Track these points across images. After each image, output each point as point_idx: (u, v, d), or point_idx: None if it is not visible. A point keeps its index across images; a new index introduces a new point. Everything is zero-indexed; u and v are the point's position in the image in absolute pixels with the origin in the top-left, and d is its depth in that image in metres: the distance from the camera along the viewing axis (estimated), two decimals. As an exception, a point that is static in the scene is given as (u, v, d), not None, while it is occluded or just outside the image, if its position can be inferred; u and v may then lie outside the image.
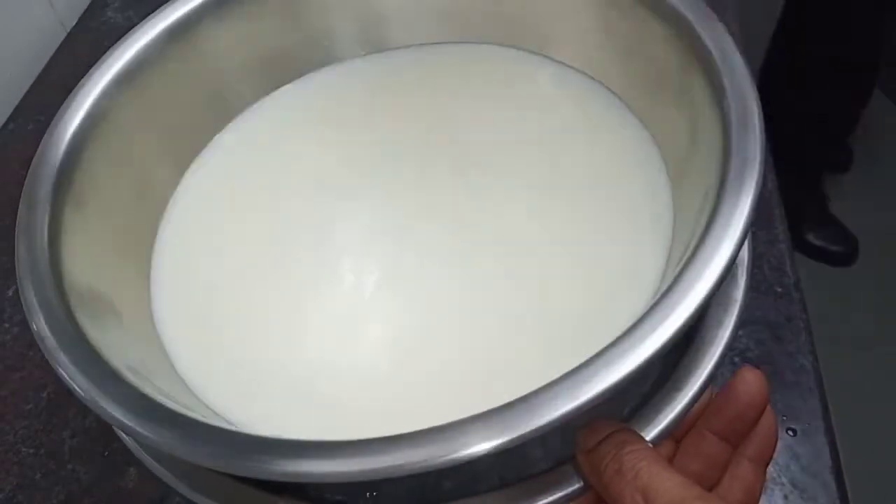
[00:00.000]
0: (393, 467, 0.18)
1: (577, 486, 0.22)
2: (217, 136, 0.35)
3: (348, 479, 0.18)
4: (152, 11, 0.32)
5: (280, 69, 0.36)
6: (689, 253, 0.21)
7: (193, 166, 0.34)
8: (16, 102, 0.54)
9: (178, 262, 0.32)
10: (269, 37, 0.35)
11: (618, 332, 0.20)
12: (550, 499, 0.22)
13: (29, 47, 0.57)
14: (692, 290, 0.20)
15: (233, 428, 0.21)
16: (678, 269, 0.21)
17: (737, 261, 0.26)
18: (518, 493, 0.23)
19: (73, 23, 0.60)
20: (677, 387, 0.24)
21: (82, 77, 0.30)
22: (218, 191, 0.35)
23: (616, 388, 0.18)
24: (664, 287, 0.20)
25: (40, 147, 0.28)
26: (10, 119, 0.53)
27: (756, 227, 0.40)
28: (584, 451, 0.21)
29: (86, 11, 0.60)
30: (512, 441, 0.18)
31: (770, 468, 0.31)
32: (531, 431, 0.18)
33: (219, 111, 0.35)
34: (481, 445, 0.18)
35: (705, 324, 0.25)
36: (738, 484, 0.23)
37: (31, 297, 0.24)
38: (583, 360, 0.19)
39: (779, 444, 0.32)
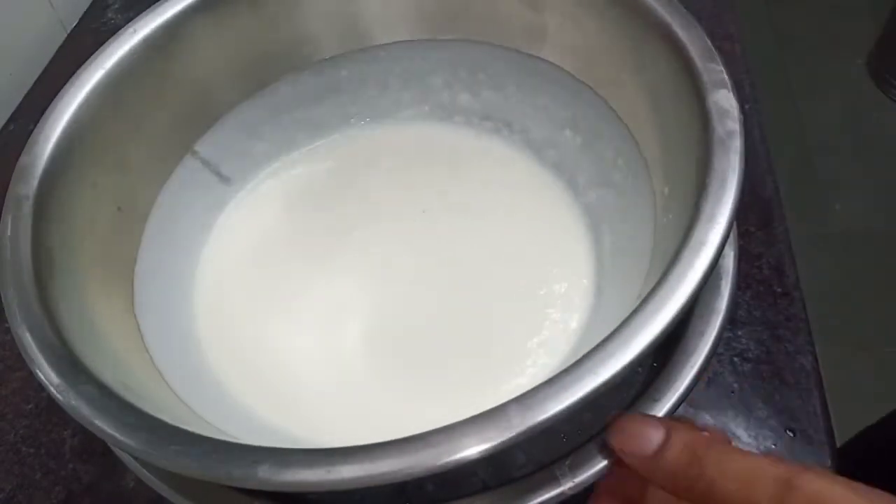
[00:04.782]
0: (385, 474, 0.18)
1: (559, 489, 0.22)
2: (196, 144, 0.35)
3: (341, 487, 0.18)
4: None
5: (261, 71, 0.36)
6: (667, 263, 0.21)
7: (173, 177, 0.34)
8: (17, 103, 0.54)
9: (162, 275, 0.32)
10: (249, 40, 0.35)
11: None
12: (534, 502, 0.23)
13: (29, 48, 0.57)
14: (675, 293, 0.20)
15: (222, 437, 0.20)
16: (658, 278, 0.21)
17: (720, 271, 0.26)
18: (501, 497, 0.23)
19: (74, 23, 0.60)
20: (655, 397, 0.24)
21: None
22: (197, 201, 0.35)
23: (599, 392, 0.19)
24: (644, 293, 0.21)
25: (20, 162, 0.27)
26: (11, 119, 0.53)
27: (755, 227, 0.40)
28: (642, 458, 0.21)
29: (86, 12, 0.60)
30: (507, 442, 0.18)
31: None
32: (523, 433, 0.18)
33: (198, 117, 0.35)
34: (476, 448, 0.18)
35: (686, 334, 0.25)
36: None
37: (14, 308, 0.24)
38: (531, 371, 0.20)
39: (779, 444, 0.32)
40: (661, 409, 0.24)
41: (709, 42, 0.25)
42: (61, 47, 0.57)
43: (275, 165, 0.39)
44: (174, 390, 0.26)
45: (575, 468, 0.23)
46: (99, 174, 0.30)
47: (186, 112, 0.34)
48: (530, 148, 0.37)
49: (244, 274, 0.34)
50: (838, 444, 0.33)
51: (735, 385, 0.34)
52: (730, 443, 0.20)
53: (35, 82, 0.55)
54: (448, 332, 0.32)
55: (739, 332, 0.36)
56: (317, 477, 0.18)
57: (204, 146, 0.35)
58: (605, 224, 0.33)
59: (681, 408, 0.25)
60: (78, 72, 0.30)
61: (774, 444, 0.32)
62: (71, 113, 0.29)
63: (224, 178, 0.37)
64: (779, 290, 0.37)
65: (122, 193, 0.31)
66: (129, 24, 0.31)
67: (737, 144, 0.22)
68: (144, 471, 0.25)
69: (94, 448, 0.36)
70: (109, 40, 0.31)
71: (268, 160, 0.38)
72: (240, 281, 0.34)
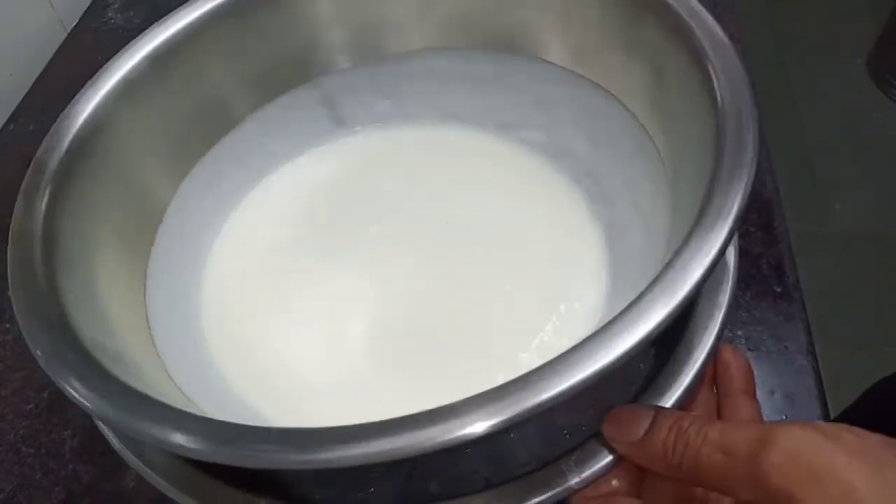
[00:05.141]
0: (392, 450, 0.18)
1: (566, 484, 0.23)
2: (213, 148, 0.35)
3: (343, 463, 0.18)
4: (153, 12, 0.32)
5: (277, 79, 0.36)
6: (675, 250, 0.21)
7: (188, 180, 0.34)
8: (17, 102, 0.54)
9: (174, 272, 0.32)
10: (265, 47, 0.35)
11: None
12: (538, 499, 0.23)
13: (30, 47, 0.57)
14: (681, 281, 0.20)
15: (226, 419, 0.20)
16: (665, 263, 0.21)
17: (721, 267, 0.26)
18: (504, 494, 0.23)
19: (74, 23, 0.60)
20: (659, 391, 0.24)
21: (83, 77, 0.30)
22: (212, 205, 0.35)
23: (603, 374, 0.19)
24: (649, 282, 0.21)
25: (33, 162, 0.27)
26: (11, 119, 0.53)
27: (755, 227, 0.40)
28: (632, 443, 0.21)
29: (86, 12, 0.60)
30: (514, 419, 0.18)
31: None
32: (527, 410, 0.18)
33: (215, 123, 0.35)
34: (482, 424, 0.18)
35: (689, 328, 0.25)
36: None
37: (21, 298, 0.24)
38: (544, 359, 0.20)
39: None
40: (666, 404, 0.24)
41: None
42: (61, 47, 0.57)
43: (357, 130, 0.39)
44: (179, 386, 0.26)
45: (581, 463, 0.23)
46: (114, 176, 0.30)
47: (199, 121, 0.34)
48: (577, 181, 0.36)
49: (253, 269, 0.34)
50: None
51: (735, 385, 0.34)
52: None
53: (35, 82, 0.55)
54: (451, 333, 0.32)
55: (739, 332, 0.36)
56: (324, 455, 0.18)
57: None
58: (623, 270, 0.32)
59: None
60: (90, 81, 0.30)
61: (774, 444, 0.32)
62: (87, 112, 0.29)
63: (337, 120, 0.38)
64: (779, 290, 0.37)
65: (138, 195, 0.31)
66: (140, 34, 0.32)
67: (750, 145, 0.22)
68: (147, 469, 0.25)
69: (95, 448, 0.36)
70: (117, 54, 0.31)
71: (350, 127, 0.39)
72: (248, 276, 0.34)
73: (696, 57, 0.26)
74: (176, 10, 0.32)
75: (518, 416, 0.18)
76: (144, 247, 0.31)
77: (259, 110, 0.36)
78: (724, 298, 0.26)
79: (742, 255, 0.38)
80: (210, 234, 0.35)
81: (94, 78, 0.30)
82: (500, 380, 0.18)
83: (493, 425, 0.18)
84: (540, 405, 0.18)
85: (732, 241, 0.27)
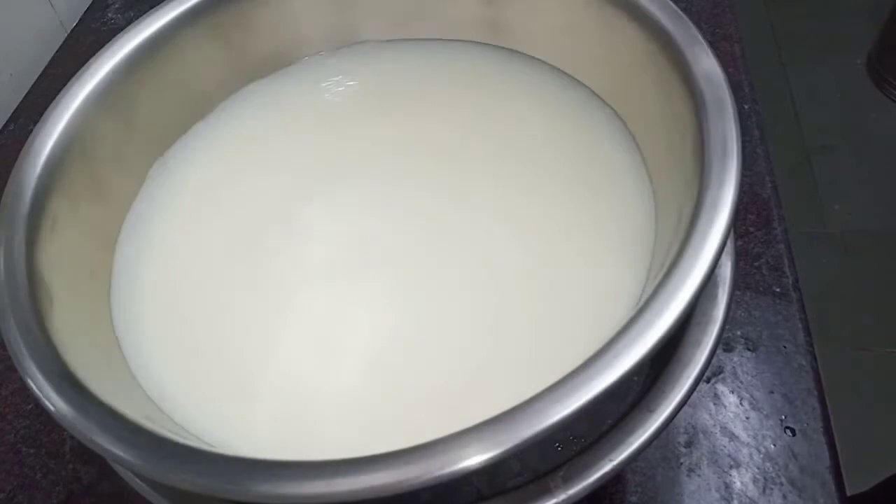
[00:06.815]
0: (389, 485, 0.18)
1: (552, 501, 0.23)
2: (181, 139, 0.34)
3: (336, 499, 0.18)
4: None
5: (251, 67, 0.35)
6: (662, 273, 0.21)
7: (154, 174, 0.33)
8: (17, 103, 0.54)
9: (141, 279, 0.31)
10: (239, 35, 0.34)
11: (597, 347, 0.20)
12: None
13: (30, 48, 0.57)
14: (667, 308, 0.20)
15: (213, 449, 0.20)
16: (652, 289, 0.21)
17: (717, 280, 0.26)
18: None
19: (74, 23, 0.60)
20: (650, 408, 0.24)
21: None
22: (181, 199, 0.33)
23: (596, 402, 0.19)
24: (638, 306, 0.21)
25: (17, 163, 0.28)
26: (11, 119, 0.53)
27: (754, 227, 0.40)
28: None
29: (87, 12, 0.60)
30: (506, 452, 0.18)
31: (769, 467, 0.32)
32: (521, 443, 0.18)
33: (186, 112, 0.34)
34: (475, 459, 0.18)
35: (682, 343, 0.25)
36: None
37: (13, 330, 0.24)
38: (556, 377, 0.19)
39: (778, 444, 0.32)
40: (657, 420, 0.23)
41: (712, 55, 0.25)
42: (61, 47, 0.57)
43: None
44: (158, 402, 0.26)
45: (569, 480, 0.23)
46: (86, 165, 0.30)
47: (171, 110, 0.34)
48: None
49: (222, 268, 0.31)
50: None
51: (734, 385, 0.34)
52: None
53: (35, 82, 0.55)
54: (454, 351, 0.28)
55: (739, 333, 0.36)
56: (316, 489, 0.18)
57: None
58: None
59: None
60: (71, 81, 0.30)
61: (774, 444, 0.32)
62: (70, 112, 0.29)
63: None
64: (778, 290, 0.37)
65: (106, 183, 0.31)
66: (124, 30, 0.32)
67: (735, 152, 0.22)
68: (137, 480, 0.25)
69: (95, 448, 0.36)
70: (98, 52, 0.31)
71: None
72: (217, 276, 0.31)
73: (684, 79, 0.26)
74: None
75: (502, 454, 0.18)
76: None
77: (228, 99, 0.35)
78: (720, 312, 0.26)
79: (741, 254, 0.38)
80: (178, 238, 0.33)
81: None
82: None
83: (489, 458, 0.18)
84: (528, 440, 0.18)
85: (729, 252, 0.27)
